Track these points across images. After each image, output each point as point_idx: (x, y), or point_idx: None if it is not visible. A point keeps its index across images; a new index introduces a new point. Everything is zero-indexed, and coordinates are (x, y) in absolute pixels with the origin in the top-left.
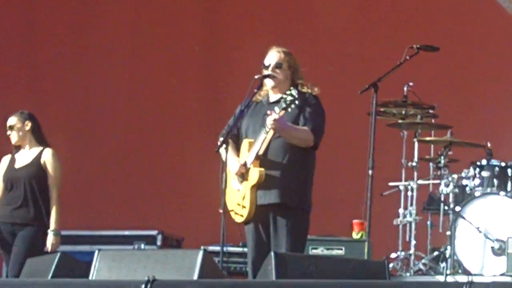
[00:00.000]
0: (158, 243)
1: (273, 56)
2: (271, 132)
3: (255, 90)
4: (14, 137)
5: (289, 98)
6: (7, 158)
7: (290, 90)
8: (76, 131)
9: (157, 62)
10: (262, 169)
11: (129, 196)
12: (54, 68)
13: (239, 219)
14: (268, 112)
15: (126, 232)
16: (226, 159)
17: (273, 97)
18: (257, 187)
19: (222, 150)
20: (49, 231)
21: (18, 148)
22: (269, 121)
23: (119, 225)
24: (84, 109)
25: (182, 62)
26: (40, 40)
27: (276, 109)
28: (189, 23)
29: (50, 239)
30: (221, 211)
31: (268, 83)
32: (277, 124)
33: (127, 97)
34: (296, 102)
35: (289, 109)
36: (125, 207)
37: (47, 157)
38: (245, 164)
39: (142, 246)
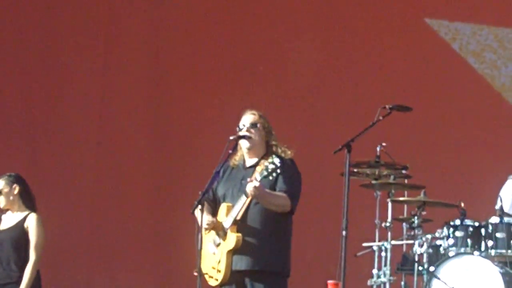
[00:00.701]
0: None
1: (247, 118)
2: (249, 198)
3: (230, 151)
4: (2, 202)
5: (271, 166)
6: None
7: (272, 157)
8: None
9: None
10: (240, 234)
11: (99, 255)
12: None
13: (213, 283)
14: (248, 179)
15: None
16: (201, 220)
17: (249, 161)
18: (233, 252)
19: (197, 212)
20: None
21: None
22: (250, 187)
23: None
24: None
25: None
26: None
27: (257, 176)
28: None
29: None
30: (195, 273)
31: (244, 144)
32: (257, 191)
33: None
34: (278, 170)
35: (271, 177)
36: (96, 269)
37: (31, 222)
38: (222, 228)
39: None
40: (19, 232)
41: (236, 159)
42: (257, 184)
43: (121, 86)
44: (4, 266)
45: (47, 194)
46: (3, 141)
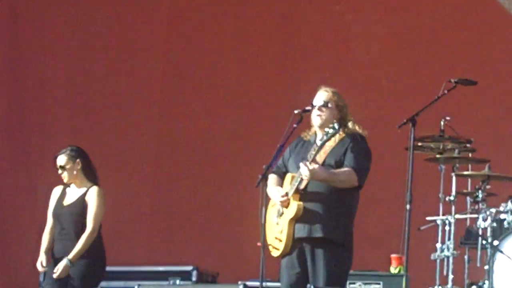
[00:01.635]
0: (193, 278)
1: (320, 96)
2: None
3: (294, 126)
4: (66, 177)
5: (331, 131)
6: (58, 191)
7: (333, 123)
8: (106, 164)
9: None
10: (301, 203)
11: (162, 230)
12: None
13: (275, 253)
14: (301, 163)
15: (161, 268)
16: (266, 194)
17: (321, 136)
18: (295, 220)
19: (262, 184)
20: (65, 258)
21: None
22: (303, 173)
23: (153, 260)
24: (114, 143)
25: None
26: None
27: (318, 142)
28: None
29: (61, 265)
30: (259, 244)
31: (315, 121)
32: (312, 175)
33: (157, 128)
34: (337, 134)
35: (332, 143)
36: (158, 242)
37: (91, 195)
38: (286, 195)
39: (177, 281)
40: (81, 207)
41: (309, 134)
42: (307, 172)
43: None
44: (72, 241)
45: (108, 169)
46: (67, 115)
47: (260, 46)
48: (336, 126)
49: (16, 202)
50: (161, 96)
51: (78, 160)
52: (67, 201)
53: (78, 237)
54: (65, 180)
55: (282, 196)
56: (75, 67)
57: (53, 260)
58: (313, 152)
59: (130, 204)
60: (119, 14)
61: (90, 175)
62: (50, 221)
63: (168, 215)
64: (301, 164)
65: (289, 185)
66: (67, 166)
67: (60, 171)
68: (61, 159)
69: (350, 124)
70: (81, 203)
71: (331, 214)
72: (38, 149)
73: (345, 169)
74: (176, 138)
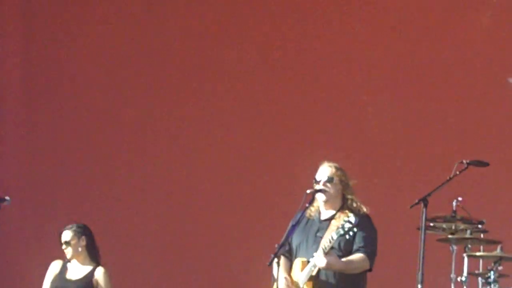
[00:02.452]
0: None
1: (324, 171)
2: None
3: (307, 205)
4: (69, 253)
5: (348, 225)
6: (58, 265)
7: (348, 215)
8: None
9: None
10: None
11: None
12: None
13: None
14: (314, 254)
15: None
16: (278, 275)
17: (325, 213)
18: None
19: (274, 266)
20: None
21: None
22: (320, 264)
23: None
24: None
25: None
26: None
27: (334, 235)
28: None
29: None
30: None
31: (320, 197)
32: (330, 266)
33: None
34: (355, 229)
35: (347, 236)
36: None
37: (99, 275)
38: (297, 285)
39: None
40: (88, 285)
41: (312, 211)
42: (323, 263)
43: None
44: None
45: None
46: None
47: (273, 125)
48: (352, 220)
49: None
50: (166, 172)
51: (83, 237)
52: (71, 276)
53: None
54: (68, 256)
55: (290, 285)
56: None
57: None
58: (329, 244)
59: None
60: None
61: (94, 253)
62: None
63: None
64: (318, 255)
65: (299, 271)
66: (72, 242)
67: (64, 246)
68: (67, 235)
69: (350, 200)
70: (88, 281)
71: None
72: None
73: (358, 256)
74: (183, 216)
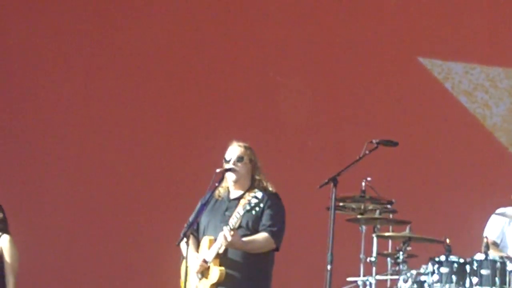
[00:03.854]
0: None
1: (234, 150)
2: None
3: (216, 184)
4: None
5: (254, 200)
6: None
7: (255, 192)
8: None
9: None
10: (223, 268)
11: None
12: None
13: None
14: (223, 232)
15: None
16: (187, 254)
17: (234, 193)
18: (216, 285)
19: (183, 245)
20: None
21: None
22: (221, 239)
23: None
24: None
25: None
26: None
27: (240, 209)
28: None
29: None
30: None
31: (230, 177)
32: (231, 245)
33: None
34: (261, 205)
35: (253, 212)
36: None
37: (4, 244)
38: (205, 261)
39: None
40: None
41: (221, 191)
42: (229, 238)
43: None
44: None
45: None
46: None
47: (184, 105)
48: (258, 195)
49: None
50: (77, 152)
51: None
52: None
53: None
54: None
55: (201, 263)
56: None
57: None
58: (236, 220)
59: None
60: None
61: (1, 223)
62: None
63: (83, 271)
64: (224, 233)
65: (207, 249)
66: None
67: None
68: None
69: (258, 180)
70: None
71: (249, 278)
72: None
73: (262, 235)
74: (93, 195)
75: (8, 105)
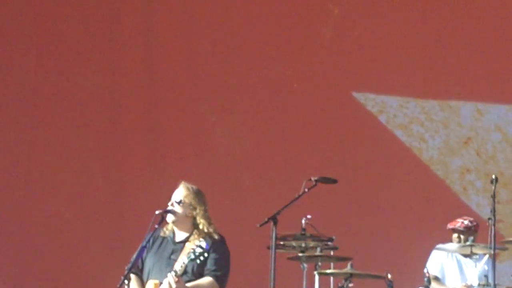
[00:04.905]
0: None
1: (177, 192)
2: None
3: (156, 226)
4: None
5: (198, 250)
6: None
7: (200, 240)
8: None
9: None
10: None
11: None
12: None
13: None
14: (168, 278)
15: None
16: None
17: (179, 235)
18: None
19: (124, 287)
20: None
21: None
22: (167, 287)
23: None
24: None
25: None
26: None
27: (184, 258)
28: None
29: None
30: None
31: (168, 218)
32: None
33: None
34: (205, 254)
35: (198, 261)
36: None
37: None
38: None
39: None
40: None
41: (166, 231)
42: (174, 286)
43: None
44: None
45: None
46: None
47: (130, 143)
48: (203, 245)
49: None
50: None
51: None
52: None
53: None
54: None
55: None
56: None
57: None
58: (180, 268)
59: None
60: None
61: None
62: None
63: None
64: (168, 280)
65: None
66: None
67: None
68: None
69: (204, 225)
70: None
71: None
72: None
73: (207, 280)
74: (35, 214)
75: None
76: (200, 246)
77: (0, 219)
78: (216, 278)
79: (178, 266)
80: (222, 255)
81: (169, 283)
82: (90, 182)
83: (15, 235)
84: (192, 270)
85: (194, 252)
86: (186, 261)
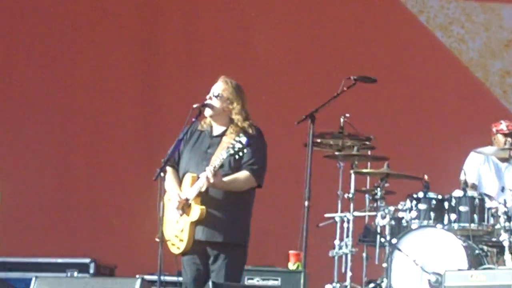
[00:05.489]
0: (91, 271)
1: (216, 86)
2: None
3: (193, 119)
4: None
5: (238, 145)
6: None
7: (240, 136)
8: (9, 155)
9: (92, 84)
10: (204, 207)
11: (61, 221)
12: None
13: (175, 251)
14: (205, 173)
15: (59, 260)
16: (164, 187)
17: (216, 129)
18: (196, 223)
19: (160, 179)
20: None
21: None
22: (203, 179)
23: (50, 252)
24: (18, 132)
25: (120, 86)
26: None
27: (224, 153)
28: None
29: None
30: (157, 239)
31: (206, 112)
32: (214, 186)
33: (64, 120)
34: (244, 150)
35: (237, 156)
36: (57, 233)
37: None
38: (186, 199)
39: (75, 274)
40: None
41: (204, 124)
42: (211, 179)
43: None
44: None
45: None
46: None
47: (165, 43)
48: (243, 141)
49: None
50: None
51: None
52: None
53: None
54: None
55: (181, 200)
56: None
57: None
58: (218, 163)
59: (29, 194)
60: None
61: None
62: None
63: (67, 206)
64: (206, 173)
65: (188, 186)
66: None
67: None
68: None
69: (239, 120)
70: None
71: (230, 217)
72: None
73: (244, 174)
74: (75, 132)
75: None
76: (240, 142)
77: None
78: (253, 171)
79: (215, 159)
80: (258, 148)
81: (207, 177)
82: (127, 75)
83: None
84: (229, 164)
85: (233, 147)
86: (224, 156)
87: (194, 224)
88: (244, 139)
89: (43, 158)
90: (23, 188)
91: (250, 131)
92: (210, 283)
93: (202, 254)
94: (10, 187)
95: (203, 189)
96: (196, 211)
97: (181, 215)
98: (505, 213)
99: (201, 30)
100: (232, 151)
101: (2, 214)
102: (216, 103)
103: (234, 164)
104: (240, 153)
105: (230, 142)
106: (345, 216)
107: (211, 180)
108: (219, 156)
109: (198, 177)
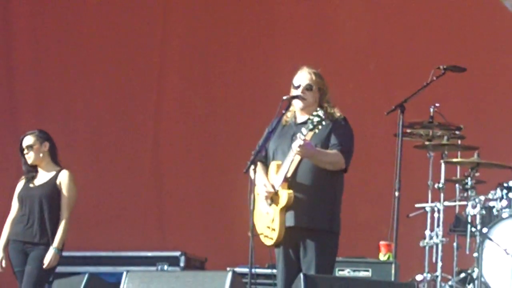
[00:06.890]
0: (181, 264)
1: (304, 77)
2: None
3: (283, 111)
4: (31, 157)
5: (316, 119)
6: (21, 182)
7: (316, 111)
8: (90, 150)
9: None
10: (291, 191)
11: (151, 215)
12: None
13: (269, 242)
14: (295, 137)
15: (149, 253)
16: (254, 180)
17: (301, 118)
18: (286, 209)
19: (250, 171)
20: (51, 247)
21: (29, 170)
22: (295, 146)
23: (141, 245)
24: (95, 128)
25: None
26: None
27: (304, 130)
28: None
29: (49, 255)
30: (249, 234)
31: (297, 104)
32: (304, 150)
33: (141, 114)
34: (323, 122)
35: (317, 130)
36: (147, 227)
37: (64, 178)
38: (273, 187)
39: (165, 267)
40: (51, 189)
41: (288, 116)
42: (302, 142)
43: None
44: (31, 224)
45: (104, 152)
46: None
47: (247, 31)
48: (320, 114)
49: None
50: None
51: (45, 142)
52: (36, 183)
53: (41, 219)
54: (29, 161)
55: (269, 189)
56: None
57: (11, 242)
58: (304, 134)
59: (120, 189)
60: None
61: (56, 158)
62: (15, 208)
63: (158, 200)
64: (296, 142)
65: (274, 174)
66: (35, 146)
67: (26, 151)
68: (28, 139)
69: (328, 107)
70: (52, 185)
71: (318, 202)
72: None
73: (333, 151)
74: (167, 125)
75: None
76: (318, 115)
77: None
78: (342, 151)
79: (298, 138)
80: (345, 132)
81: (299, 145)
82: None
83: None
84: (315, 146)
85: (312, 122)
86: (305, 132)
87: (284, 210)
88: (321, 112)
89: (133, 153)
90: (113, 182)
91: (337, 114)
92: (301, 276)
93: (294, 243)
94: (99, 181)
95: (289, 174)
96: (284, 196)
97: (270, 205)
98: None
99: (283, 12)
100: (311, 126)
101: (92, 208)
102: (308, 95)
103: (321, 147)
104: (320, 126)
105: (308, 118)
106: (435, 206)
107: (302, 143)
108: (299, 135)
109: (283, 163)
